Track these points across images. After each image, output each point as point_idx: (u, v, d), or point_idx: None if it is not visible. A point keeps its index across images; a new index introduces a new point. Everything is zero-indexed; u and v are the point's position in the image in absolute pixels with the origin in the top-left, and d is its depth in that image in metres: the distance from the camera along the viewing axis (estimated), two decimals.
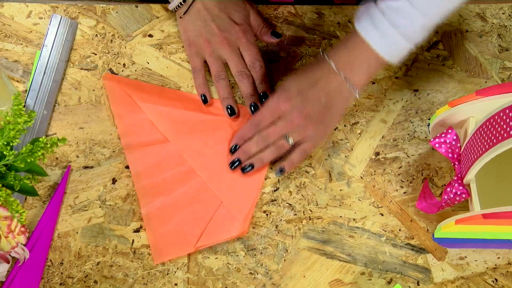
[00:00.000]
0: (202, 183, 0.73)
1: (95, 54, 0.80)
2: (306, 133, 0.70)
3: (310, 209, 0.72)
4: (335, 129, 0.76)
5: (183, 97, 0.77)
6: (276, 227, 0.71)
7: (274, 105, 0.71)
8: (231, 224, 0.70)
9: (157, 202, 0.71)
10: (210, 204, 0.72)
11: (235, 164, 0.72)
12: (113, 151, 0.75)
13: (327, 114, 0.70)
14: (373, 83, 0.79)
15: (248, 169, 0.71)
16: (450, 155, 0.67)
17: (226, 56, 0.75)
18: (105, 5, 0.83)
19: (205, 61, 0.77)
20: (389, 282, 0.69)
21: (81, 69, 0.79)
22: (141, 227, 0.71)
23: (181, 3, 0.75)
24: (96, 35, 0.81)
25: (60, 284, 0.68)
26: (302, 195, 0.73)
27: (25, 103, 0.75)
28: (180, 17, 0.77)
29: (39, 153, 0.61)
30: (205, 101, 0.76)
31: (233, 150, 0.73)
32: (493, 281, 0.69)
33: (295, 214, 0.72)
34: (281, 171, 0.71)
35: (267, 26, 0.79)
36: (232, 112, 0.75)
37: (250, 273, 0.69)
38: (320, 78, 0.69)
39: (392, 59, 0.67)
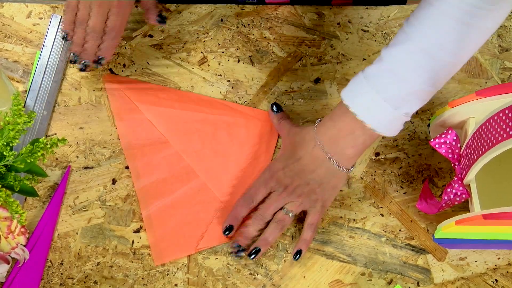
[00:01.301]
0: (203, 184, 0.73)
1: None
2: (302, 203, 0.68)
3: None
4: None
5: (183, 97, 0.77)
6: None
7: (264, 181, 0.69)
8: None
9: (158, 203, 0.71)
10: (211, 205, 0.72)
11: (240, 251, 0.68)
12: (113, 152, 0.75)
13: (317, 187, 0.68)
14: None
15: (254, 255, 0.67)
16: (450, 155, 0.67)
17: (92, 10, 0.72)
18: None
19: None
20: (389, 283, 0.69)
21: None
22: (141, 227, 0.71)
23: None
24: None
25: (60, 284, 0.68)
26: None
27: (25, 103, 0.75)
28: None
29: (39, 154, 0.61)
30: (66, 39, 0.73)
31: (227, 233, 0.68)
32: (493, 282, 0.69)
33: (295, 214, 0.72)
34: (299, 253, 0.68)
35: (157, 7, 0.76)
36: (74, 62, 0.73)
37: (250, 273, 0.69)
38: (304, 155, 0.68)
39: (382, 129, 0.62)
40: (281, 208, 0.68)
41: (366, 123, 0.62)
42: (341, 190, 0.73)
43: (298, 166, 0.68)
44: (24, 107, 0.75)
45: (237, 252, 0.68)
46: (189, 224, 0.70)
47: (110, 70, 0.79)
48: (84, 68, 0.72)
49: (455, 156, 0.67)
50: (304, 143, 0.68)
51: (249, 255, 0.67)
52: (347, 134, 0.65)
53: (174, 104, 0.76)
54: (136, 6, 0.83)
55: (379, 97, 0.61)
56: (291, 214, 0.68)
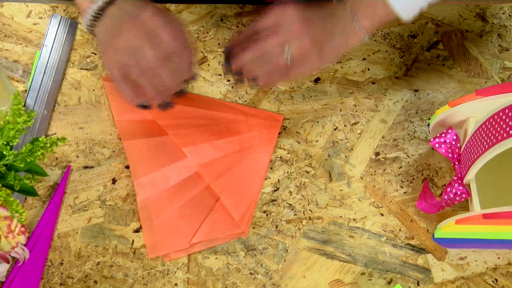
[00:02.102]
0: (201, 179, 0.73)
1: (95, 54, 0.80)
2: (304, 52, 0.64)
3: (310, 209, 0.72)
4: (334, 129, 0.76)
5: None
6: (276, 227, 0.71)
7: (281, 13, 0.64)
8: (227, 223, 0.70)
9: (153, 194, 0.71)
10: (207, 200, 0.72)
11: (227, 72, 0.67)
12: (113, 151, 0.75)
13: (329, 44, 0.65)
14: (373, 83, 0.79)
15: (239, 80, 0.67)
16: (450, 155, 0.67)
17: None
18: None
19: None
20: (389, 282, 0.69)
21: (81, 69, 0.79)
22: (141, 227, 0.71)
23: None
24: None
25: (60, 284, 0.68)
26: (302, 195, 0.73)
27: (25, 103, 0.75)
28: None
29: (39, 153, 0.61)
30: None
31: (226, 54, 0.66)
32: (493, 281, 0.69)
33: (295, 214, 0.72)
34: (254, 80, 0.66)
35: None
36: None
37: (250, 273, 0.69)
38: (328, 13, 0.65)
39: (401, 11, 0.63)
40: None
41: (390, 3, 0.62)
42: (341, 190, 0.73)
43: (320, 12, 0.65)
44: (24, 106, 0.75)
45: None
46: (185, 219, 0.70)
47: None
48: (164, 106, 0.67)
49: (455, 156, 0.67)
50: (329, 2, 0.66)
51: (235, 79, 0.67)
52: (369, 6, 0.64)
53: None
54: None
55: None
56: (287, 57, 0.64)
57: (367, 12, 0.65)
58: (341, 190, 0.73)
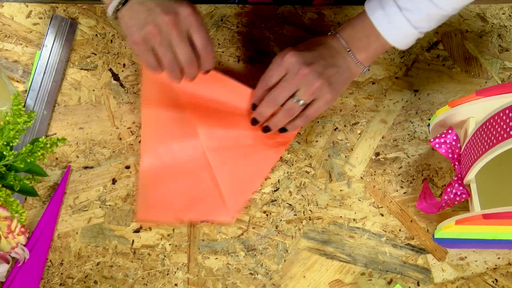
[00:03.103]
0: (205, 163, 0.73)
1: (95, 54, 0.80)
2: (315, 92, 0.68)
3: (310, 210, 0.72)
4: (335, 129, 0.76)
5: (215, 78, 0.75)
6: (276, 228, 0.71)
7: (280, 61, 0.69)
8: (218, 208, 0.71)
9: (156, 165, 0.72)
10: (206, 182, 0.72)
11: (255, 123, 0.72)
12: (113, 151, 0.75)
13: (334, 73, 0.68)
14: (373, 83, 0.79)
15: (266, 131, 0.72)
16: (450, 155, 0.67)
17: (174, 42, 0.65)
18: (105, 5, 0.82)
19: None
20: (389, 283, 0.69)
21: (81, 69, 0.79)
22: (141, 227, 0.71)
23: (121, 3, 0.65)
24: (96, 35, 0.81)
25: (60, 284, 0.68)
26: (302, 195, 0.73)
27: (25, 103, 0.75)
28: (117, 17, 0.67)
29: (39, 153, 0.61)
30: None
31: (253, 109, 0.72)
32: (493, 282, 0.69)
33: (295, 215, 0.72)
34: (285, 130, 0.71)
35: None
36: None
37: (250, 273, 0.69)
38: (324, 43, 0.69)
39: (397, 42, 0.66)
40: (293, 96, 0.68)
41: (384, 37, 0.66)
42: (341, 190, 0.73)
43: (318, 50, 0.68)
44: (24, 107, 0.75)
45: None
46: (179, 192, 0.71)
47: (110, 70, 0.79)
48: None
49: (455, 156, 0.67)
50: (323, 38, 0.70)
51: (263, 129, 0.72)
52: (362, 37, 0.67)
53: (202, 82, 0.73)
54: None
55: (401, 15, 0.64)
56: (301, 102, 0.68)
57: (362, 44, 0.68)
58: (341, 190, 0.73)
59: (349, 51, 0.68)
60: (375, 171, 0.74)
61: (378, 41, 0.67)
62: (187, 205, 0.71)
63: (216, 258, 0.69)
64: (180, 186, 0.72)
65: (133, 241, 0.70)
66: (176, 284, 0.68)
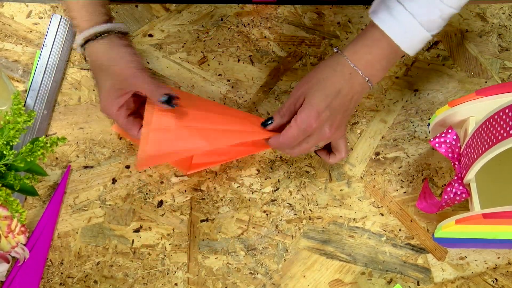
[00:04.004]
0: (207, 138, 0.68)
1: None
2: (332, 136, 0.68)
3: (310, 209, 0.72)
4: None
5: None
6: (276, 227, 0.71)
7: (306, 125, 0.65)
8: (199, 141, 0.67)
9: (167, 120, 0.67)
10: (208, 138, 0.67)
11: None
12: (113, 151, 0.75)
13: (349, 114, 0.68)
14: None
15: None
16: (450, 155, 0.67)
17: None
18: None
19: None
20: (389, 282, 0.69)
21: (81, 69, 0.79)
22: (141, 227, 0.71)
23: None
24: None
25: (60, 284, 0.68)
26: (302, 195, 0.73)
27: (25, 103, 0.75)
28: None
29: (39, 153, 0.61)
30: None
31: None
32: (493, 281, 0.69)
33: (295, 214, 0.72)
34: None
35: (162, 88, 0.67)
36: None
37: (250, 273, 0.69)
38: (343, 86, 0.66)
39: (411, 50, 0.65)
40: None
41: (400, 46, 0.64)
42: (341, 190, 0.73)
43: (340, 99, 0.66)
44: (24, 106, 0.75)
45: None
46: (182, 141, 0.67)
47: None
48: None
49: (455, 156, 0.67)
50: (337, 73, 0.66)
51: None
52: (382, 59, 0.66)
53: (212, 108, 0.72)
54: (136, 6, 0.83)
55: (415, 21, 0.62)
56: (317, 146, 0.70)
57: (380, 66, 0.66)
58: (341, 190, 0.73)
59: (368, 81, 0.66)
60: (375, 171, 0.74)
61: (395, 53, 0.65)
62: (185, 155, 0.68)
63: (216, 258, 0.69)
64: (184, 135, 0.66)
65: (133, 240, 0.70)
66: (176, 284, 0.68)
